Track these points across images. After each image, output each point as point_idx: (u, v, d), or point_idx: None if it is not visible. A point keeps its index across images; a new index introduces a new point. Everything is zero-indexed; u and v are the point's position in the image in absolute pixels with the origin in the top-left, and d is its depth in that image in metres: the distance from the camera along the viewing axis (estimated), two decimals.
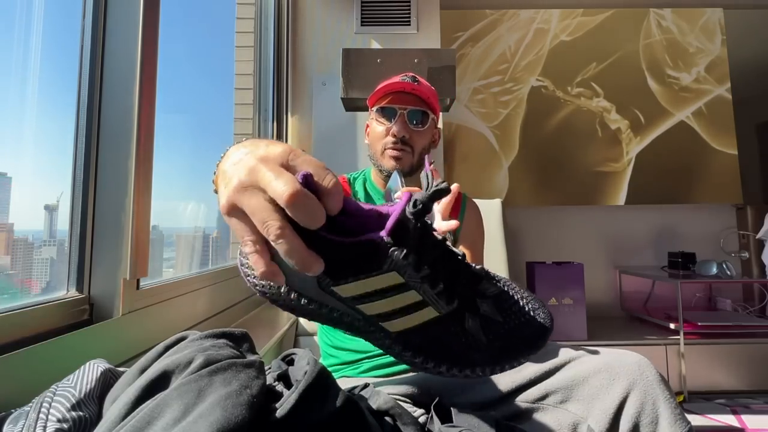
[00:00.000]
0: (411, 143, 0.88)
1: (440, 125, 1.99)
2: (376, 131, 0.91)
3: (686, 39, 2.57)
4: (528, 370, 0.66)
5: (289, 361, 0.62)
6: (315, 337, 1.30)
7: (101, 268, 0.75)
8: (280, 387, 0.50)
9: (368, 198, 0.96)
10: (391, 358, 0.84)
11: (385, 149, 0.89)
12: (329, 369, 0.67)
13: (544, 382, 0.64)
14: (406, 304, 0.33)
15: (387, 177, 0.92)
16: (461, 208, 0.96)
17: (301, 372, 0.47)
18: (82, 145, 0.76)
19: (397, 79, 0.89)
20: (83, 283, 0.74)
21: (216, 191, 0.36)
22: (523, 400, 0.65)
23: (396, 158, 0.88)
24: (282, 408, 0.39)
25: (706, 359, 2.02)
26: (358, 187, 0.98)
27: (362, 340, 0.86)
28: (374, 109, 0.91)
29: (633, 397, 0.57)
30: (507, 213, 1.49)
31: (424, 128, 0.90)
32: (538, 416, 0.63)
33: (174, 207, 1.41)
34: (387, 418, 0.56)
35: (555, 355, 0.67)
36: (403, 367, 0.84)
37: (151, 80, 0.81)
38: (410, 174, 0.91)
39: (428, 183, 0.35)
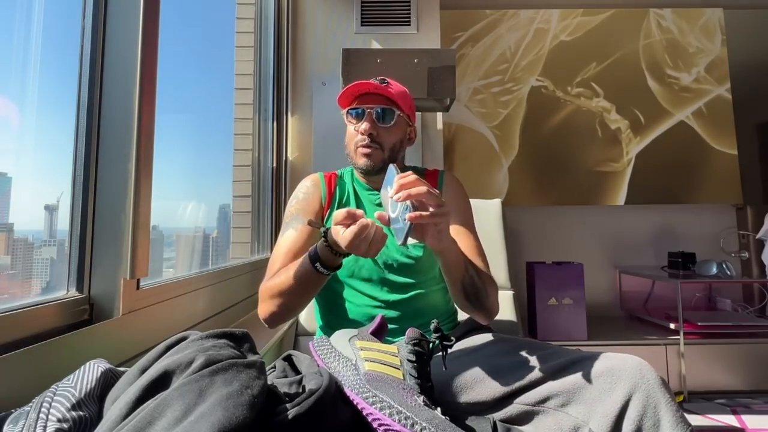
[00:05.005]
0: (379, 140, 0.92)
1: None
2: (349, 132, 0.95)
3: (686, 39, 2.57)
4: (529, 371, 0.66)
5: (289, 360, 0.62)
6: (317, 335, 1.30)
7: (101, 268, 0.75)
8: (283, 388, 0.50)
9: (354, 188, 1.00)
10: None
11: (357, 147, 0.92)
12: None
13: (546, 385, 0.64)
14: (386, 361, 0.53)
15: (362, 173, 0.97)
16: (438, 185, 0.99)
17: (312, 378, 0.47)
18: (82, 145, 0.76)
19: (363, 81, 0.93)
20: (83, 283, 0.74)
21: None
22: (524, 402, 0.65)
23: (367, 155, 0.91)
24: (297, 408, 0.40)
25: (706, 359, 2.02)
26: (347, 179, 1.02)
27: None
28: (345, 111, 0.95)
29: (635, 400, 0.57)
30: (507, 213, 1.49)
31: (391, 125, 0.93)
32: (540, 419, 0.63)
33: (174, 207, 1.41)
34: None
35: (556, 357, 0.67)
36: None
37: (151, 80, 0.81)
38: (382, 170, 0.93)
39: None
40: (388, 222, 0.67)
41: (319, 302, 0.99)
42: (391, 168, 0.70)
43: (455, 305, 0.87)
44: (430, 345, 0.58)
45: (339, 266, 0.74)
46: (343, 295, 0.92)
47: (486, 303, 0.81)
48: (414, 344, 0.55)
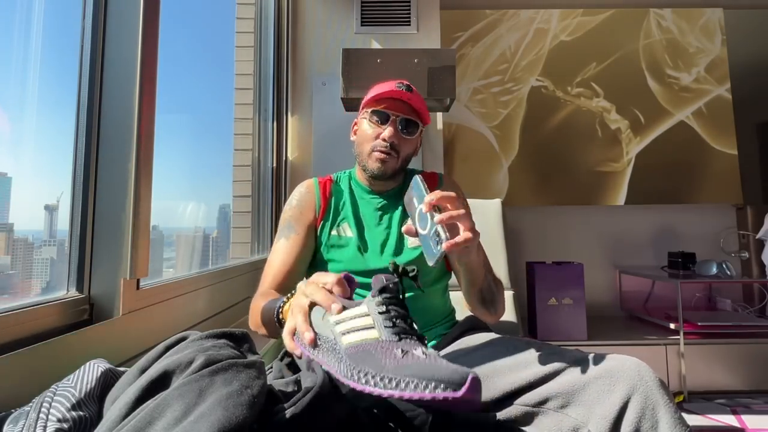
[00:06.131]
0: (398, 149, 0.91)
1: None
2: (366, 131, 0.93)
3: (686, 39, 2.57)
4: (528, 372, 0.66)
5: (286, 361, 0.62)
6: None
7: (101, 268, 0.75)
8: (281, 387, 0.50)
9: (352, 193, 0.99)
10: None
11: (373, 150, 0.91)
12: None
13: (545, 386, 0.64)
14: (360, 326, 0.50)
15: (371, 177, 0.94)
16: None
17: (308, 376, 0.47)
18: (82, 145, 0.76)
19: (392, 85, 0.91)
20: (83, 283, 0.74)
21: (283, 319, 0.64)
22: (523, 403, 0.65)
23: (382, 161, 0.90)
24: (293, 408, 0.40)
25: (706, 359, 2.03)
26: (344, 185, 1.00)
27: None
28: (368, 109, 0.93)
29: (633, 402, 0.58)
30: (507, 213, 1.49)
31: (412, 137, 0.93)
32: (539, 420, 0.63)
33: (174, 207, 1.41)
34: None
35: (555, 358, 0.67)
36: None
37: (151, 80, 0.81)
38: (392, 177, 0.94)
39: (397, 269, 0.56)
40: (416, 234, 0.66)
41: None
42: (417, 180, 0.69)
43: (468, 303, 0.86)
44: (398, 285, 0.56)
45: None
46: None
47: (498, 306, 0.83)
48: (380, 293, 0.54)
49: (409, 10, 2.08)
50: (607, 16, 2.59)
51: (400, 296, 0.54)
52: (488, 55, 2.57)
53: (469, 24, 2.58)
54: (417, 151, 0.99)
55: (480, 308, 0.82)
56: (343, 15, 2.09)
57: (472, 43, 2.57)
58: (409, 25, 2.08)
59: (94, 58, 0.77)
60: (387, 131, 0.89)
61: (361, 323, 0.50)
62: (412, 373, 0.41)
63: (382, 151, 0.90)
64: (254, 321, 0.80)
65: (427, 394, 0.39)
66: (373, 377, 0.43)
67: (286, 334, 0.55)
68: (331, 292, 0.56)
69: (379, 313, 0.51)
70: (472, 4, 2.61)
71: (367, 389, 0.43)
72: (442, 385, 0.40)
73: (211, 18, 1.80)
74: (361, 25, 2.08)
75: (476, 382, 0.41)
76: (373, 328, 0.49)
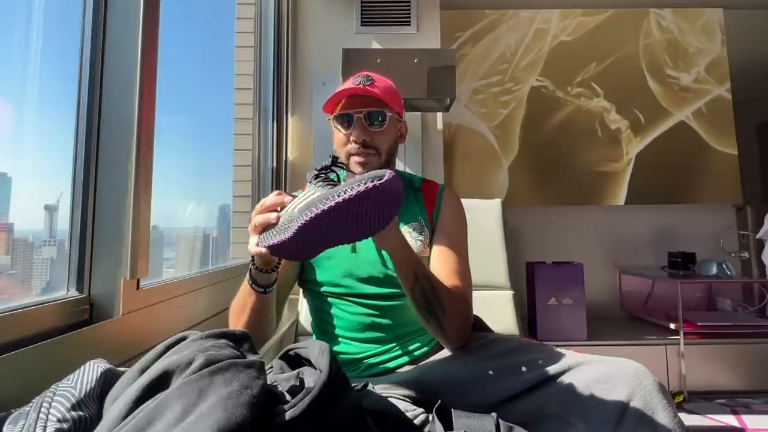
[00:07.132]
0: (374, 145, 0.86)
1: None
2: (339, 139, 0.90)
3: (686, 39, 2.57)
4: (526, 377, 0.66)
5: (287, 359, 0.62)
6: (313, 338, 1.30)
7: (101, 268, 0.75)
8: (282, 386, 0.50)
9: None
10: (385, 357, 0.85)
11: (350, 156, 0.88)
12: None
13: (543, 390, 0.64)
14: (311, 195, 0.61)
15: None
16: (437, 199, 0.94)
17: (310, 374, 0.47)
18: (82, 145, 0.76)
19: (349, 82, 0.88)
20: (83, 283, 0.74)
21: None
22: (522, 407, 0.65)
23: (362, 163, 0.86)
24: (292, 411, 0.40)
25: (706, 359, 2.03)
26: None
27: (352, 345, 0.87)
28: (331, 117, 0.90)
29: (632, 407, 0.58)
30: (507, 213, 1.49)
31: (384, 128, 0.87)
32: (538, 425, 0.63)
33: (174, 207, 1.41)
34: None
35: (553, 362, 0.67)
36: (400, 362, 0.85)
37: (151, 80, 0.81)
38: None
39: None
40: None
41: (311, 311, 0.97)
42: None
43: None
44: (327, 169, 0.69)
45: (272, 283, 0.73)
46: (333, 305, 0.90)
47: (442, 322, 0.74)
48: (317, 176, 0.66)
49: (409, 10, 2.08)
50: (607, 17, 2.59)
51: (329, 175, 0.68)
52: (488, 55, 2.57)
53: (469, 24, 2.58)
54: (403, 138, 0.96)
55: (419, 316, 0.75)
56: (343, 15, 2.09)
57: (472, 43, 2.57)
58: (409, 25, 2.08)
59: (94, 58, 0.77)
60: (354, 133, 0.86)
61: (307, 195, 0.61)
62: (348, 183, 0.53)
63: (358, 154, 0.86)
64: (233, 310, 0.78)
65: (362, 188, 0.52)
66: (321, 203, 0.53)
67: (251, 246, 0.66)
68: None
69: (316, 184, 0.63)
70: (472, 4, 2.61)
71: (320, 209, 0.52)
72: (371, 180, 0.52)
73: (211, 18, 1.80)
74: (361, 25, 2.08)
75: (393, 174, 0.53)
76: (315, 193, 0.60)
